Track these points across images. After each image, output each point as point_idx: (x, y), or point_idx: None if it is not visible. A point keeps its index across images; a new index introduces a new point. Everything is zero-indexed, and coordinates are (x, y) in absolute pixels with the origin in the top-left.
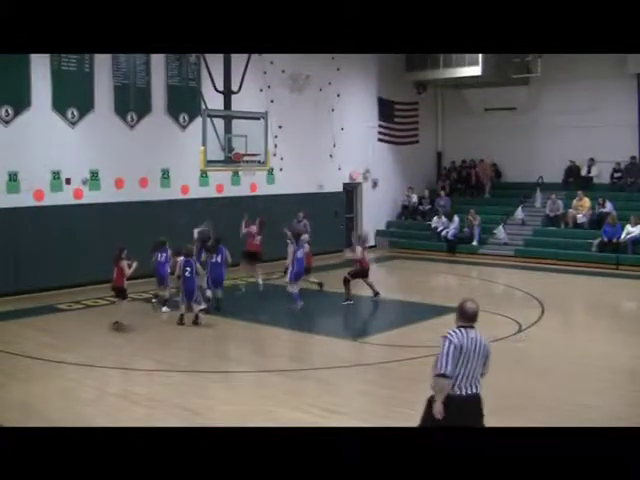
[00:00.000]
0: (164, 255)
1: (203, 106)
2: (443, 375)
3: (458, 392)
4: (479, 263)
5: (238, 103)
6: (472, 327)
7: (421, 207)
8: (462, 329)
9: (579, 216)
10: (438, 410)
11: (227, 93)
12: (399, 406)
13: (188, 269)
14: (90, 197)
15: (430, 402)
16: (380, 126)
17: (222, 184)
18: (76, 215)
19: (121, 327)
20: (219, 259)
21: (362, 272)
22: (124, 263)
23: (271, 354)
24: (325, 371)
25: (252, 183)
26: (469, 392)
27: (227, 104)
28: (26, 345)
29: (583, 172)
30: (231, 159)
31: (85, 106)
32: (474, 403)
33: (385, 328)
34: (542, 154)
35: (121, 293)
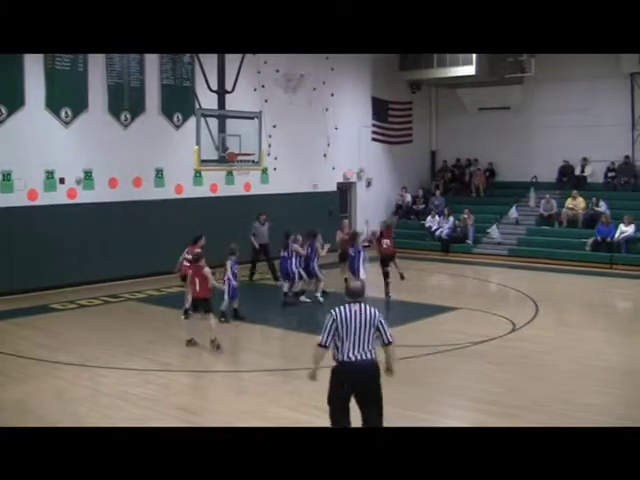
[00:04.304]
0: (286, 251)
1: (197, 106)
2: (321, 345)
3: (348, 359)
4: (473, 262)
5: (232, 103)
6: (357, 302)
7: (415, 206)
8: (346, 305)
9: (573, 215)
10: (311, 375)
11: (221, 93)
12: (395, 405)
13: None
14: (84, 197)
15: (333, 372)
16: (374, 125)
17: (216, 184)
18: (70, 215)
19: (218, 345)
20: (286, 253)
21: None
22: (207, 270)
23: (267, 354)
24: (320, 370)
25: (246, 183)
26: (359, 358)
27: (221, 104)
28: (20, 345)
29: (577, 171)
30: (225, 159)
31: (79, 105)
32: (366, 368)
33: None
34: (536, 153)
35: (207, 305)
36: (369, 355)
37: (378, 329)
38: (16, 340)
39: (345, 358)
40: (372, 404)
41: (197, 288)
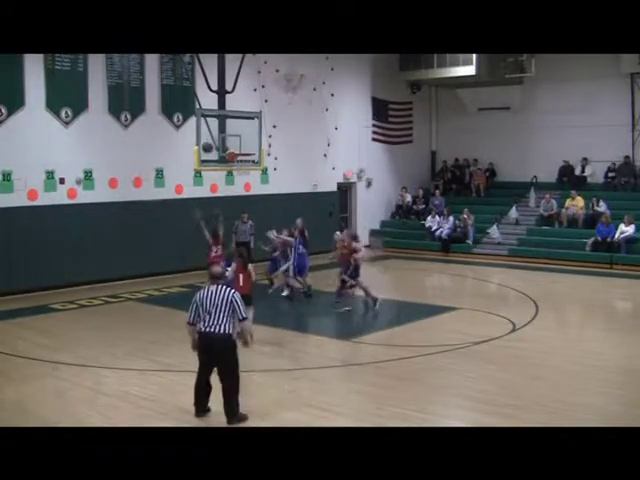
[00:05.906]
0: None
1: (197, 106)
2: (188, 323)
3: (204, 331)
4: (473, 262)
5: (232, 103)
6: (216, 284)
7: (415, 206)
8: (207, 286)
9: (573, 215)
10: (192, 346)
11: (221, 93)
12: (393, 405)
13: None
14: (84, 197)
15: (197, 340)
16: (374, 125)
17: (216, 184)
18: (70, 215)
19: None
20: (305, 250)
21: None
22: (252, 267)
23: (265, 354)
24: (320, 371)
25: (246, 183)
26: (216, 331)
27: (221, 104)
28: (20, 345)
29: (577, 171)
30: (225, 159)
31: (79, 106)
32: (221, 339)
33: (379, 328)
34: (536, 154)
35: (248, 301)
36: (220, 329)
37: (232, 307)
38: (16, 340)
39: (202, 330)
40: (227, 373)
41: (240, 284)
